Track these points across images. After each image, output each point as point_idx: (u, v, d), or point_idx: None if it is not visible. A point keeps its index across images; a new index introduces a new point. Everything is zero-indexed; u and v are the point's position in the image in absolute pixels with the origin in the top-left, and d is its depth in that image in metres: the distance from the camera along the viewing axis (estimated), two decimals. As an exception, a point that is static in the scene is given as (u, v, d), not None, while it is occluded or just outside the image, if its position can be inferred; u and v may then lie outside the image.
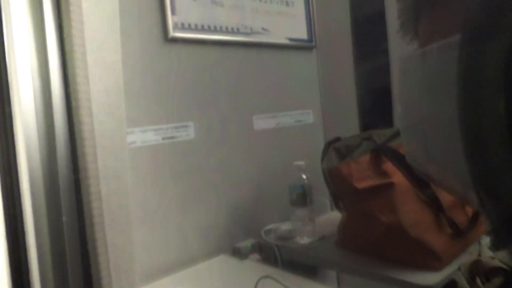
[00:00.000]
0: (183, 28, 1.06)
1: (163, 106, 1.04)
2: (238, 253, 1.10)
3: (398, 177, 0.88)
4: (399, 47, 1.31)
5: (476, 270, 0.59)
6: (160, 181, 1.02)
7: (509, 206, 0.23)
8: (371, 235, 0.91)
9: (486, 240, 0.88)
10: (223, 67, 1.17)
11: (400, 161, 0.88)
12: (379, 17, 1.32)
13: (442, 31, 0.26)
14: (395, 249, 0.87)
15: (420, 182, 0.86)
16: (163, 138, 1.03)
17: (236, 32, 1.18)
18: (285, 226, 1.15)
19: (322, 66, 1.45)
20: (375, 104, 1.42)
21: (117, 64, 0.71)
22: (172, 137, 1.05)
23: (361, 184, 0.90)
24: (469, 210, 0.91)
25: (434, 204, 0.87)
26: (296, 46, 1.37)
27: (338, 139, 1.02)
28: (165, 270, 1.02)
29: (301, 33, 1.39)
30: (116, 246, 0.68)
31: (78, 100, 0.65)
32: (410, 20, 0.32)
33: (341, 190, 1.00)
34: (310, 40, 1.41)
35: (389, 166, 0.90)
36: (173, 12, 1.03)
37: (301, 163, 1.08)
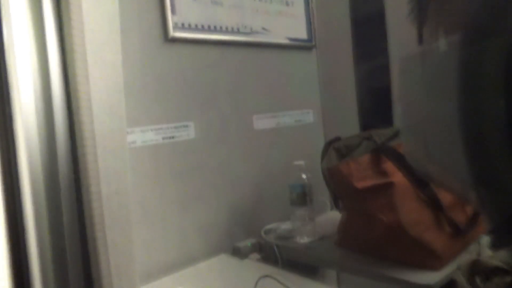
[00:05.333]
0: (183, 28, 1.06)
1: (163, 106, 1.04)
2: (238, 253, 1.10)
3: (398, 177, 0.88)
4: (399, 46, 1.31)
5: (476, 269, 0.59)
6: (160, 181, 1.03)
7: (509, 206, 0.23)
8: (371, 235, 0.91)
9: (485, 240, 0.88)
10: (223, 67, 1.17)
11: (400, 160, 0.88)
12: (379, 17, 1.32)
13: (446, 27, 0.26)
14: (395, 249, 0.87)
15: (420, 181, 0.86)
16: (163, 138, 1.03)
17: (236, 32, 1.18)
18: (285, 226, 1.15)
19: (322, 65, 1.45)
20: (375, 104, 1.42)
21: (117, 64, 0.71)
22: (172, 137, 1.05)
23: (361, 184, 0.90)
24: (469, 210, 0.91)
25: (434, 204, 0.87)
26: (296, 46, 1.38)
27: (338, 139, 1.02)
28: (165, 269, 1.02)
29: (301, 32, 1.39)
30: (116, 246, 0.68)
31: (78, 100, 0.65)
32: (417, 11, 0.32)
33: (341, 190, 1.00)
34: (310, 39, 1.41)
35: (389, 165, 0.90)
36: (173, 12, 1.03)
37: (301, 163, 1.08)
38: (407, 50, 0.30)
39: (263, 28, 1.25)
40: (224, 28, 1.15)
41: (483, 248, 0.85)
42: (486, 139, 0.22)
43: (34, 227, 0.62)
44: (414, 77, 0.29)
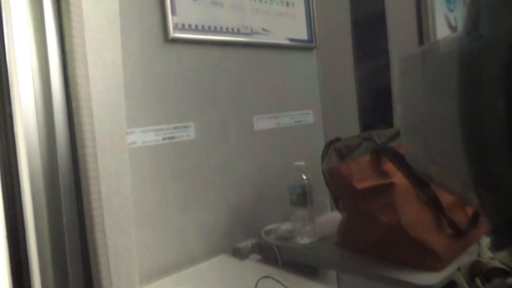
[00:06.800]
0: (183, 28, 1.06)
1: (163, 107, 1.04)
2: (238, 253, 1.10)
3: (398, 177, 0.88)
4: (399, 47, 1.31)
5: (476, 270, 0.59)
6: (160, 181, 1.02)
7: (509, 207, 0.23)
8: (371, 235, 0.91)
9: (486, 241, 0.88)
10: (223, 68, 1.17)
11: (400, 161, 0.88)
12: (379, 17, 1.32)
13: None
14: (395, 249, 0.87)
15: (420, 182, 0.86)
16: (163, 139, 1.03)
17: (236, 32, 1.18)
18: (285, 226, 1.15)
19: (322, 66, 1.45)
20: (375, 104, 1.42)
21: (117, 64, 0.71)
22: (172, 138, 1.05)
23: (361, 184, 0.90)
24: (469, 210, 0.91)
25: (434, 204, 0.87)
26: (296, 47, 1.38)
27: (338, 139, 1.02)
28: (165, 270, 1.02)
29: (301, 33, 1.39)
30: (116, 247, 0.68)
31: (78, 100, 0.65)
32: None
33: (341, 190, 1.00)
34: (310, 40, 1.41)
35: (389, 166, 0.90)
36: (173, 13, 1.03)
37: (301, 163, 1.08)
38: (407, 51, 0.30)
39: (263, 29, 1.25)
40: (224, 29, 1.15)
41: (483, 249, 0.85)
42: (486, 140, 0.22)
43: (33, 228, 0.62)
44: (414, 78, 0.29)
